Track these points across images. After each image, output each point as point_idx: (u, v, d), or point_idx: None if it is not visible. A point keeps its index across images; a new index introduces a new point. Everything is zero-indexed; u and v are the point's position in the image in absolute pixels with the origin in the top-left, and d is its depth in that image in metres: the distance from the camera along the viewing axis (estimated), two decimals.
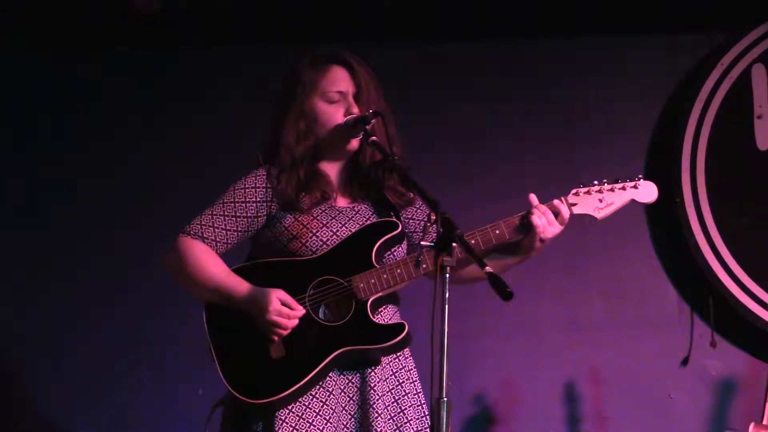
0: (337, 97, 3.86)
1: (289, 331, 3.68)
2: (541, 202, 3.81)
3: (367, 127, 3.77)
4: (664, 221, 5.66)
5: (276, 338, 3.69)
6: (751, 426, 4.65)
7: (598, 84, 5.80)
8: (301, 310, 3.69)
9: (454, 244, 3.23)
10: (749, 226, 5.61)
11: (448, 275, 3.19)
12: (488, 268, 3.23)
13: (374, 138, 3.76)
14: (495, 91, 5.79)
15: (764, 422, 4.65)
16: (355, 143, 3.85)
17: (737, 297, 5.56)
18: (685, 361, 5.67)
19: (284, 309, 3.67)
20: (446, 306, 3.15)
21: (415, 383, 3.87)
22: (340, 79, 3.88)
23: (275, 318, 3.66)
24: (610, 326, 5.68)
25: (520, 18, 5.74)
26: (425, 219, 3.88)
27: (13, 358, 5.69)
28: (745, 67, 5.66)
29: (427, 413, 3.85)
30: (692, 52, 5.77)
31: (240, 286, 3.74)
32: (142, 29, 5.78)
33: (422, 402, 3.86)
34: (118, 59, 5.85)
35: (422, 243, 3.37)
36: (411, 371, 3.88)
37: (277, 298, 3.68)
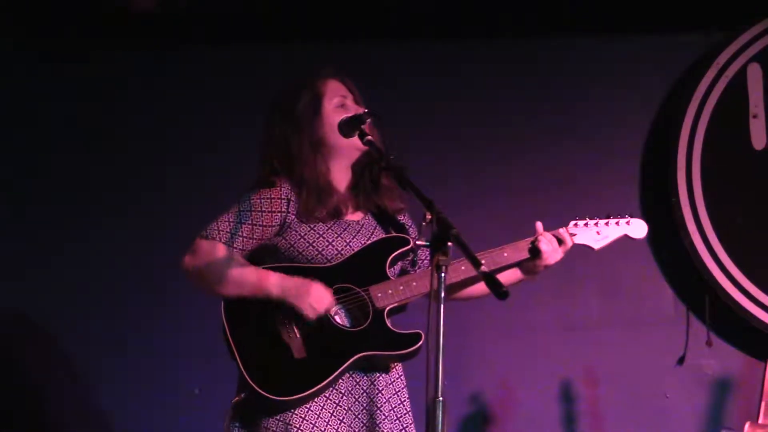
0: (342, 101, 3.94)
1: (323, 312, 3.75)
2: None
3: (363, 125, 3.80)
4: (660, 221, 5.65)
5: (311, 317, 3.73)
6: (747, 425, 4.65)
7: (593, 83, 5.81)
8: (333, 301, 3.77)
9: (449, 243, 3.24)
10: (745, 225, 5.62)
11: (443, 274, 3.19)
12: (483, 267, 3.24)
13: (370, 137, 3.79)
14: (490, 92, 5.80)
15: (760, 421, 4.65)
16: (358, 142, 3.86)
17: (733, 296, 5.56)
18: (681, 360, 5.68)
19: (324, 295, 3.75)
20: (442, 306, 3.15)
21: (405, 391, 3.94)
22: (338, 89, 3.99)
23: (313, 302, 3.72)
24: (606, 325, 5.70)
25: (515, 18, 5.74)
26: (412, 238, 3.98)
27: (10, 358, 5.69)
28: (741, 67, 5.67)
29: (412, 422, 3.92)
30: (688, 52, 5.78)
31: (275, 275, 3.79)
32: (142, 29, 5.78)
33: (409, 410, 3.93)
34: (117, 59, 5.85)
35: (417, 242, 3.38)
36: (403, 379, 3.95)
37: (319, 285, 3.76)
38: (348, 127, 3.82)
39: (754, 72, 5.68)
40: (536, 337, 5.70)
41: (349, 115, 3.85)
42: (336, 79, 4.01)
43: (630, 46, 5.80)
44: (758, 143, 5.67)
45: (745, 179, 5.66)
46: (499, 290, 3.19)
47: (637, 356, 5.65)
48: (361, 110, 3.91)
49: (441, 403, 3.13)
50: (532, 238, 3.97)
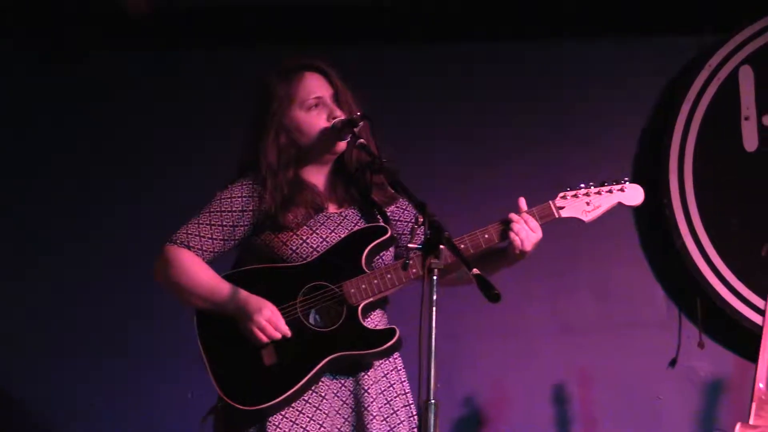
0: (316, 102, 3.84)
1: (269, 339, 3.69)
2: (531, 205, 3.83)
3: (355, 129, 3.75)
4: (653, 222, 5.68)
5: (263, 342, 3.69)
6: (738, 426, 4.65)
7: (586, 85, 5.80)
8: (284, 330, 3.69)
9: (441, 246, 3.23)
10: (737, 228, 5.62)
11: (436, 277, 3.18)
12: (475, 270, 3.22)
13: (362, 140, 3.75)
14: (483, 93, 5.80)
15: (751, 422, 4.65)
16: (342, 145, 3.83)
17: (725, 298, 5.57)
18: (673, 362, 5.68)
19: (266, 324, 3.67)
20: (434, 308, 3.15)
21: (404, 384, 3.89)
22: (316, 85, 3.87)
23: (254, 329, 3.67)
24: (599, 328, 5.68)
25: (508, 20, 5.75)
26: (411, 221, 3.92)
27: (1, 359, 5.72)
28: (733, 69, 5.67)
29: (415, 413, 3.86)
30: (680, 54, 5.78)
31: (230, 290, 3.74)
32: (140, 30, 5.79)
33: (410, 402, 3.88)
34: (115, 60, 5.87)
35: (410, 245, 3.37)
36: (400, 372, 3.89)
37: (268, 308, 3.69)
38: (339, 132, 3.78)
39: (746, 74, 5.68)
40: (529, 339, 5.69)
41: (342, 119, 3.80)
42: (315, 72, 3.89)
43: (622, 48, 5.80)
44: (750, 145, 5.67)
45: (736, 181, 5.66)
46: (490, 293, 3.18)
47: (630, 358, 5.64)
48: (338, 112, 3.82)
49: (433, 406, 3.12)
50: (505, 219, 3.77)
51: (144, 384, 5.62)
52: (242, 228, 3.84)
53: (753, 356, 4.75)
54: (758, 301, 5.47)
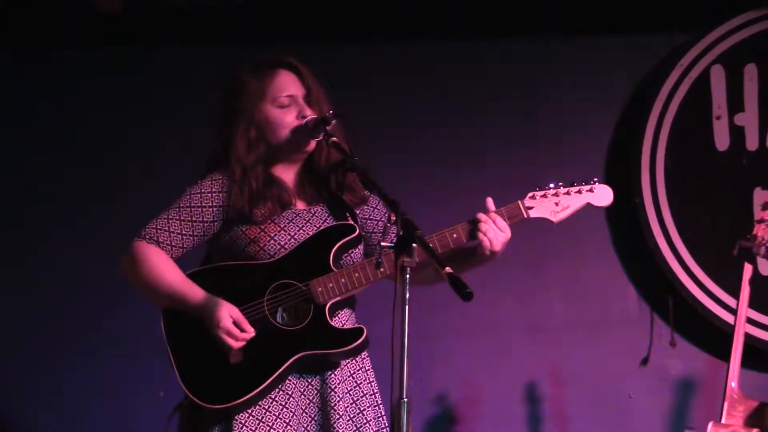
0: (288, 101, 3.83)
1: (237, 343, 3.68)
2: (501, 204, 3.81)
3: (327, 127, 3.74)
4: (624, 221, 5.71)
5: (231, 347, 3.68)
6: (710, 425, 4.66)
7: (558, 84, 5.82)
8: (250, 333, 3.68)
9: (414, 245, 3.21)
10: (708, 227, 5.66)
11: (408, 276, 3.17)
12: (448, 269, 3.21)
13: (335, 139, 3.74)
14: (455, 92, 5.81)
15: (723, 421, 4.67)
16: (312, 144, 3.83)
17: (696, 297, 5.61)
18: (645, 361, 5.71)
19: (233, 329, 3.66)
20: (406, 307, 3.14)
21: (372, 384, 3.88)
22: (289, 83, 3.86)
23: (223, 336, 3.65)
24: (571, 326, 5.71)
25: (479, 18, 5.77)
26: (382, 219, 3.92)
27: None
28: (704, 68, 5.70)
29: (384, 413, 3.86)
30: (651, 53, 5.81)
31: (194, 293, 3.72)
32: (113, 29, 5.77)
33: (379, 402, 3.87)
34: (90, 59, 5.85)
35: (382, 244, 3.35)
36: (368, 371, 3.88)
37: (228, 314, 3.67)
38: (312, 130, 3.77)
39: (718, 74, 5.71)
40: (501, 337, 5.70)
41: (315, 118, 3.78)
42: (288, 70, 3.89)
43: (595, 47, 5.83)
44: (721, 144, 5.71)
45: (708, 180, 5.69)
46: (463, 291, 3.16)
47: (602, 357, 5.68)
48: (307, 111, 3.82)
49: (405, 404, 3.11)
50: (474, 219, 3.75)
51: (115, 383, 5.60)
52: (212, 224, 3.82)
53: (725, 355, 4.77)
54: (730, 300, 5.49)
